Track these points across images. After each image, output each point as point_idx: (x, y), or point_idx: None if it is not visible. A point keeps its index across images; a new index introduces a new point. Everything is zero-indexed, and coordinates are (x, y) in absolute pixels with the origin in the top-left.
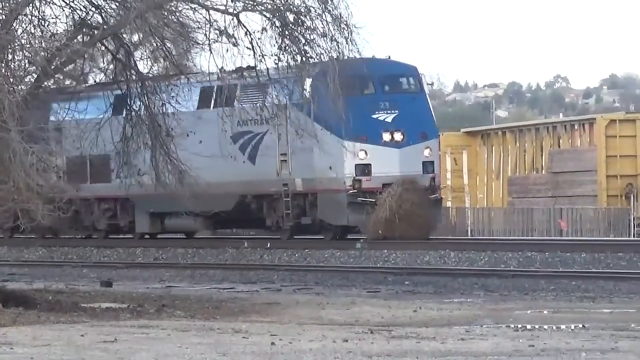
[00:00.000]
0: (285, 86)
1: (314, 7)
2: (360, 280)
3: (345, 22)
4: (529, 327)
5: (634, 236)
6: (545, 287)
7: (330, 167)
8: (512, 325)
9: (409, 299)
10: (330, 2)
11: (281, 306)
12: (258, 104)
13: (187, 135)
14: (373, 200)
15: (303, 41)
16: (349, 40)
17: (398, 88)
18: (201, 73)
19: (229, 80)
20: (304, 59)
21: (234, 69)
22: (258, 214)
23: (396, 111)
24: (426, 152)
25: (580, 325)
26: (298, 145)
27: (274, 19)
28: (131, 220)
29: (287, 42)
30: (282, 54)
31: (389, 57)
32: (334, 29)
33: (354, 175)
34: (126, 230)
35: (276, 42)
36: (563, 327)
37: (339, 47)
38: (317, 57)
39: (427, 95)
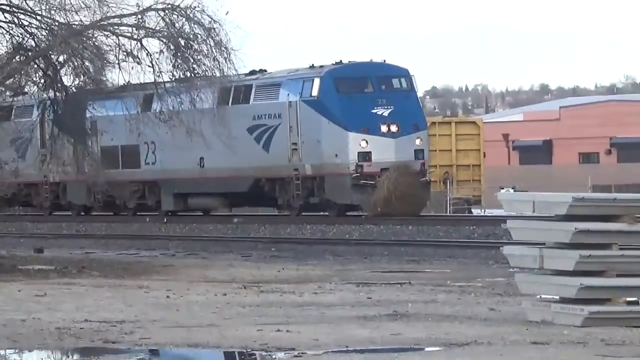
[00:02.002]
0: (296, 85)
1: (200, 34)
2: (236, 247)
3: (224, 46)
4: (368, 283)
5: (449, 213)
6: (380, 253)
7: (336, 155)
8: (355, 282)
9: (274, 262)
10: (213, 30)
11: (175, 268)
12: (270, 102)
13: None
14: (373, 182)
15: (192, 61)
16: (227, 60)
17: (393, 87)
18: (231, 76)
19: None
20: (192, 74)
21: (249, 71)
22: (271, 195)
23: (392, 107)
24: (417, 141)
25: (408, 282)
26: (307, 135)
27: (169, 43)
28: (157, 200)
29: (179, 61)
30: (175, 70)
31: (385, 60)
32: (215, 51)
33: (357, 161)
34: (153, 209)
35: (171, 61)
36: (394, 283)
37: (219, 65)
38: (203, 72)
39: (417, 93)
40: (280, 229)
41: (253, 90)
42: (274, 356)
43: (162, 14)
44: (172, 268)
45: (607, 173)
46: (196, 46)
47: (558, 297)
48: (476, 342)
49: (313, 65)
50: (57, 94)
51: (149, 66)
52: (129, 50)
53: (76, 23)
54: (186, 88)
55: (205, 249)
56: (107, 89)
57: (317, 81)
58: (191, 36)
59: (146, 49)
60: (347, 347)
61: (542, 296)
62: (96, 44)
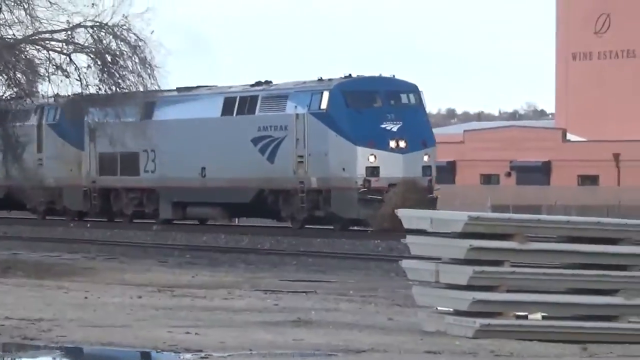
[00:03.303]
0: (304, 98)
1: (126, 51)
2: (154, 253)
3: (148, 63)
4: (275, 291)
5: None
6: (289, 262)
7: (344, 168)
8: (263, 290)
9: (189, 268)
10: (138, 48)
11: (95, 270)
12: (276, 114)
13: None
14: (380, 197)
15: (117, 76)
16: (151, 76)
17: (402, 102)
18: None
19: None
20: (117, 89)
21: (254, 82)
22: (274, 207)
23: (400, 122)
24: (425, 158)
25: (313, 291)
26: (315, 148)
27: (97, 59)
28: (155, 208)
29: (105, 76)
30: (102, 85)
31: (394, 75)
32: (140, 68)
33: (365, 175)
34: (151, 217)
35: (98, 75)
36: (300, 291)
37: (144, 81)
38: (128, 87)
39: (426, 109)
40: (196, 236)
41: (259, 101)
42: (181, 357)
43: (90, 31)
44: (92, 271)
45: (506, 194)
46: (122, 62)
47: (452, 310)
48: (373, 349)
49: (321, 78)
50: None
51: (77, 80)
52: (59, 64)
53: (9, 37)
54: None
55: (124, 254)
56: (100, 96)
57: (326, 94)
58: (117, 53)
59: (75, 64)
60: (251, 350)
61: (437, 308)
62: (28, 57)
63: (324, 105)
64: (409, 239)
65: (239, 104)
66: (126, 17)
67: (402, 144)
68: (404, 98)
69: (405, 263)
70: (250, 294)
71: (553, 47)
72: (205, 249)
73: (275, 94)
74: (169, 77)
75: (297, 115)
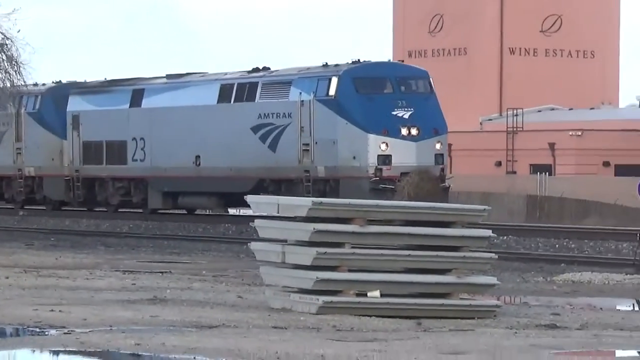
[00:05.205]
0: (309, 84)
1: None
2: (20, 237)
3: (15, 60)
4: (133, 271)
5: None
6: (146, 245)
7: (354, 157)
8: (122, 270)
9: (53, 251)
10: (5, 45)
11: None
12: (279, 100)
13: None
14: (392, 187)
15: None
16: (17, 72)
17: (413, 89)
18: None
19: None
20: None
21: (252, 69)
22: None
23: (412, 109)
24: (437, 145)
25: (168, 271)
26: (322, 136)
27: None
28: (144, 198)
29: None
30: None
31: (402, 61)
32: (7, 65)
33: (376, 164)
34: (138, 206)
35: None
36: (157, 272)
37: (10, 77)
38: None
39: (436, 96)
40: (59, 221)
41: (259, 87)
42: (46, 332)
43: None
44: None
45: None
46: None
47: (297, 288)
48: (224, 325)
49: (327, 63)
50: None
51: None
52: None
53: None
54: None
55: None
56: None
57: (334, 80)
58: None
59: None
60: (111, 326)
61: (284, 287)
62: None
63: (332, 91)
64: (257, 223)
65: (237, 90)
66: None
67: (414, 131)
68: (414, 84)
69: (253, 245)
70: (110, 274)
71: (390, 45)
72: (68, 232)
73: (277, 80)
74: (34, 74)
75: (302, 102)
